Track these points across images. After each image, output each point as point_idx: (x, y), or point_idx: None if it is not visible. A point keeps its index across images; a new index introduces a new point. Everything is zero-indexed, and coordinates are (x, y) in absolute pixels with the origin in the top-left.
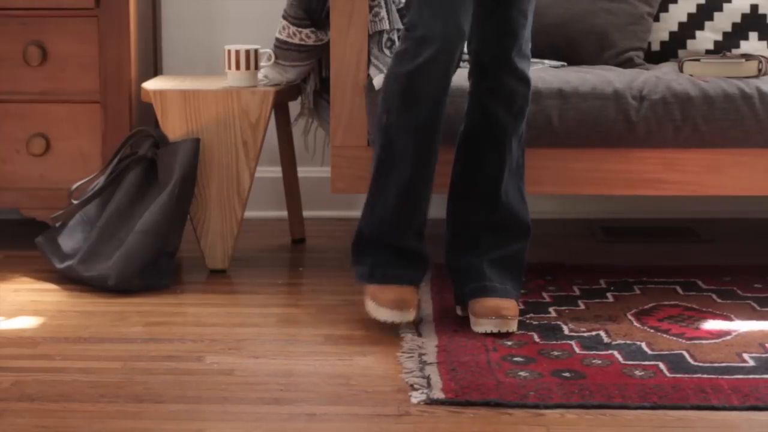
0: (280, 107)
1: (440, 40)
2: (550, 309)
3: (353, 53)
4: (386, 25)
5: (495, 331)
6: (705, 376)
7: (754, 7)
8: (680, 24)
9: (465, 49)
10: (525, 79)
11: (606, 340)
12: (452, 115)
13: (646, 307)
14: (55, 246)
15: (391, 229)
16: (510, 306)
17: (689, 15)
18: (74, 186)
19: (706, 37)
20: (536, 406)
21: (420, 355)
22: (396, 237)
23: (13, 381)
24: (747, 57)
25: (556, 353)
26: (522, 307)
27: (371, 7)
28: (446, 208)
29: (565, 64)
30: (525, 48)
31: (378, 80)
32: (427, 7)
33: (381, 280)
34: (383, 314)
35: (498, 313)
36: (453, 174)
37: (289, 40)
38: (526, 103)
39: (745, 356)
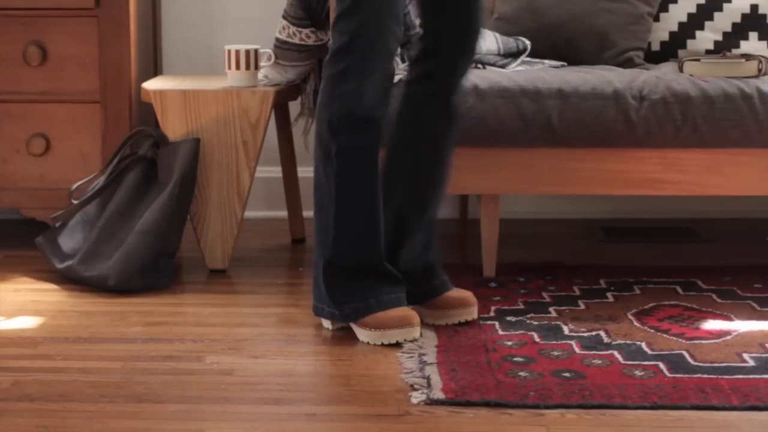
0: (280, 107)
1: (386, 53)
2: (550, 309)
3: None
4: None
5: (470, 319)
6: (705, 376)
7: (754, 7)
8: (680, 24)
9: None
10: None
11: (606, 340)
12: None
13: (646, 307)
14: (55, 246)
15: (372, 252)
16: (470, 294)
17: (689, 15)
18: (74, 186)
19: (706, 37)
20: (536, 406)
21: (420, 355)
22: (378, 258)
23: (13, 381)
24: (747, 57)
25: (556, 353)
26: (522, 306)
27: None
28: (391, 212)
29: (565, 64)
30: None
31: None
32: (373, 17)
33: (378, 307)
34: (392, 336)
35: (468, 302)
36: (411, 178)
37: (289, 40)
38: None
39: (745, 356)
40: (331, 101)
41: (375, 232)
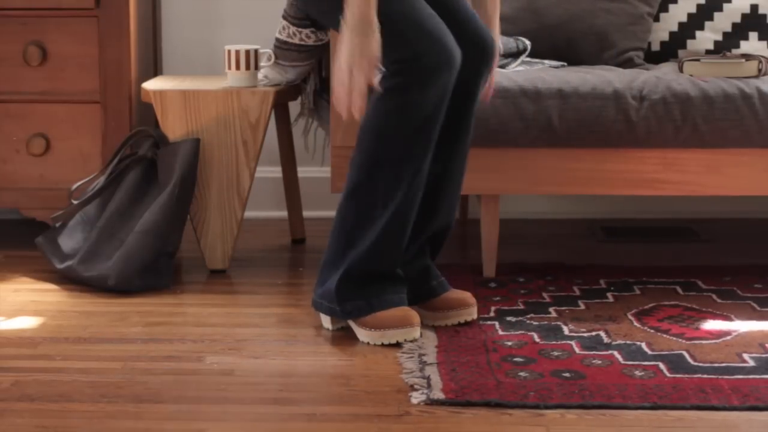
0: (280, 107)
1: (447, 66)
2: (550, 309)
3: None
4: None
5: (469, 320)
6: (705, 376)
7: (754, 7)
8: (680, 24)
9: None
10: None
11: (606, 340)
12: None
13: (646, 307)
14: (55, 246)
15: (392, 260)
16: (470, 294)
17: (689, 15)
18: (74, 186)
19: (706, 37)
20: (536, 406)
21: (420, 355)
22: (394, 265)
23: (13, 381)
24: (747, 57)
25: (556, 353)
26: (522, 306)
27: None
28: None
29: (565, 64)
30: None
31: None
32: (425, 34)
33: (380, 306)
34: (392, 336)
35: (467, 303)
36: (431, 177)
37: (289, 40)
38: None
39: (745, 356)
40: (387, 113)
41: (402, 240)
